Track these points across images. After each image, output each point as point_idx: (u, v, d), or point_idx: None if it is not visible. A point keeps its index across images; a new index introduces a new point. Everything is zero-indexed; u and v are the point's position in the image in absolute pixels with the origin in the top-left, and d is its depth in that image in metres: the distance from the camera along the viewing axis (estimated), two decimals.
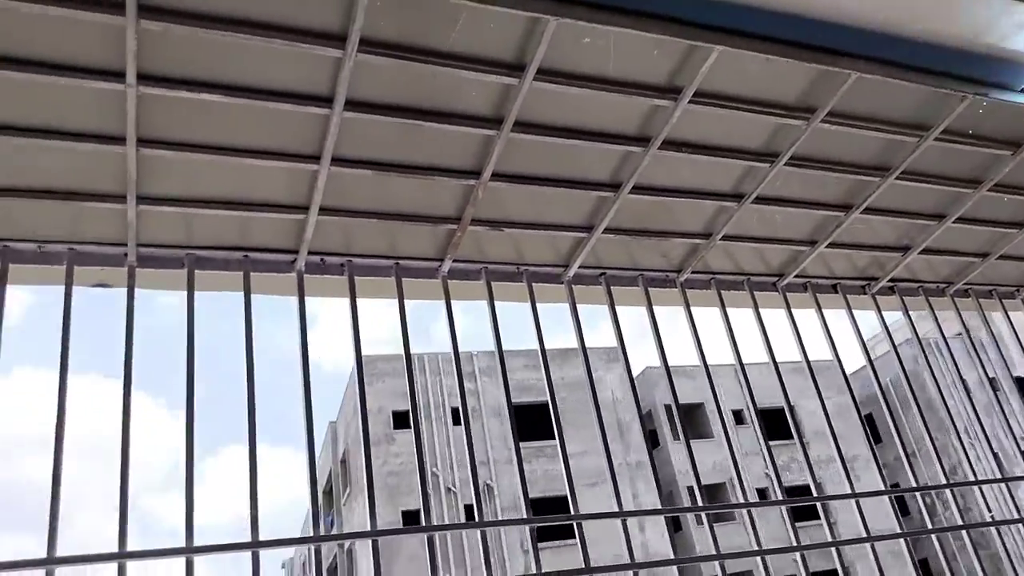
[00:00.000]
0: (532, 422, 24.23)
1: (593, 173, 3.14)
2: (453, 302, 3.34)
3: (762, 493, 27.24)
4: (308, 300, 3.13)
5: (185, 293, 2.94)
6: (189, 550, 2.54)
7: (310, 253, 3.10)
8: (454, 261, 3.31)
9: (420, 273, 3.34)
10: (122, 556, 2.47)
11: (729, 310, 3.88)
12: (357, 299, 3.17)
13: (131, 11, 2.11)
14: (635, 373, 30.10)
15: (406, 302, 3.27)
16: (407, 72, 2.55)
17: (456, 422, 26.09)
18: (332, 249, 3.17)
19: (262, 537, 2.66)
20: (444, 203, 3.10)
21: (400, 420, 25.90)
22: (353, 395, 27.66)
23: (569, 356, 25.85)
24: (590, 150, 3.02)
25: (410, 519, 24.39)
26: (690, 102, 2.83)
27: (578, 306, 3.60)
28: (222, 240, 3.00)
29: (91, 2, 2.11)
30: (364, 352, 3.13)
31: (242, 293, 3.05)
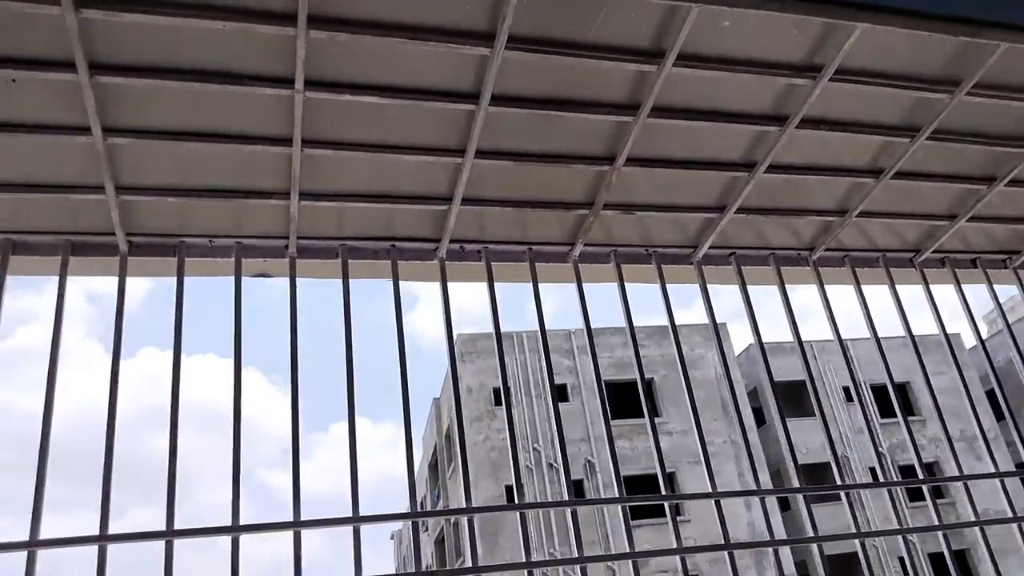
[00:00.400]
0: (633, 399, 24.25)
1: (726, 153, 3.16)
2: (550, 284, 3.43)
3: (875, 473, 26.37)
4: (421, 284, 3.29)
5: (338, 281, 3.15)
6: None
7: (451, 241, 3.25)
8: (585, 245, 3.40)
9: (551, 257, 3.44)
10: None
11: (832, 288, 3.80)
12: (495, 283, 3.30)
13: (302, 22, 2.27)
14: (739, 350, 29.57)
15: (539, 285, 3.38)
16: (547, 65, 2.64)
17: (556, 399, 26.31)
18: (470, 236, 3.31)
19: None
20: (576, 189, 3.19)
21: (500, 396, 26.34)
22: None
23: (665, 333, 25.70)
24: (723, 131, 3.04)
25: (512, 493, 24.87)
26: (830, 80, 2.80)
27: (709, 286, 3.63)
28: (371, 231, 3.19)
29: (264, 16, 2.29)
30: (464, 331, 3.28)
31: (388, 280, 3.24)
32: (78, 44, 2.21)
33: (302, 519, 2.71)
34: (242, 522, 2.66)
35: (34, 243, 2.86)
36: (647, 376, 26.40)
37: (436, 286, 3.28)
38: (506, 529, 23.53)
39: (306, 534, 2.72)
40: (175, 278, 2.95)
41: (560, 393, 26.35)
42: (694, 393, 3.59)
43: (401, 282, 3.19)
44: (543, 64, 2.63)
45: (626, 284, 3.50)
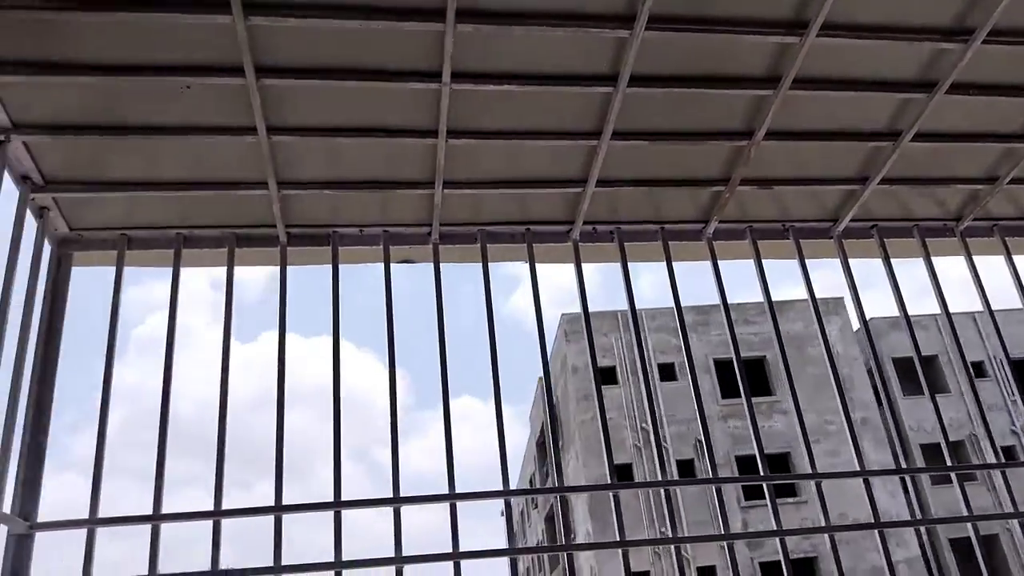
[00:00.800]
0: (746, 377, 23.72)
1: (868, 123, 3.07)
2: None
3: (1008, 452, 24.90)
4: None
5: (478, 264, 3.25)
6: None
7: (584, 223, 3.30)
8: (719, 222, 3.38)
9: (685, 236, 3.44)
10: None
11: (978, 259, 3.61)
12: (628, 263, 3.34)
13: (450, 17, 2.36)
14: (856, 325, 28.38)
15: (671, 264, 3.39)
16: (686, 43, 2.64)
17: (664, 378, 26.04)
18: (602, 218, 3.35)
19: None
20: (711, 166, 3.17)
21: (607, 376, 26.28)
22: (560, 351, 28.43)
23: (783, 309, 24.92)
24: (866, 100, 2.95)
25: (622, 472, 24.86)
26: (983, 42, 2.68)
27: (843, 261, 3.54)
28: (507, 215, 3.28)
29: (414, 13, 2.39)
30: (568, 311, 3.31)
31: (520, 263, 3.33)
32: (247, 50, 2.38)
33: (401, 495, 2.82)
34: (352, 497, 2.80)
35: (202, 236, 3.10)
36: (759, 354, 25.75)
37: (542, 265, 3.33)
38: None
39: (422, 509, 2.83)
40: (329, 266, 3.13)
41: (668, 372, 26.05)
42: (810, 371, 3.50)
43: (502, 264, 3.27)
44: (682, 42, 2.63)
45: (738, 262, 3.47)
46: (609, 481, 3.07)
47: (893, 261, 3.53)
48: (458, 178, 3.05)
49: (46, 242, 2.88)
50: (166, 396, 2.82)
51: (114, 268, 2.99)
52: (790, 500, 24.14)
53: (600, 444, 25.60)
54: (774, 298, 3.38)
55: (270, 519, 2.71)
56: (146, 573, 2.58)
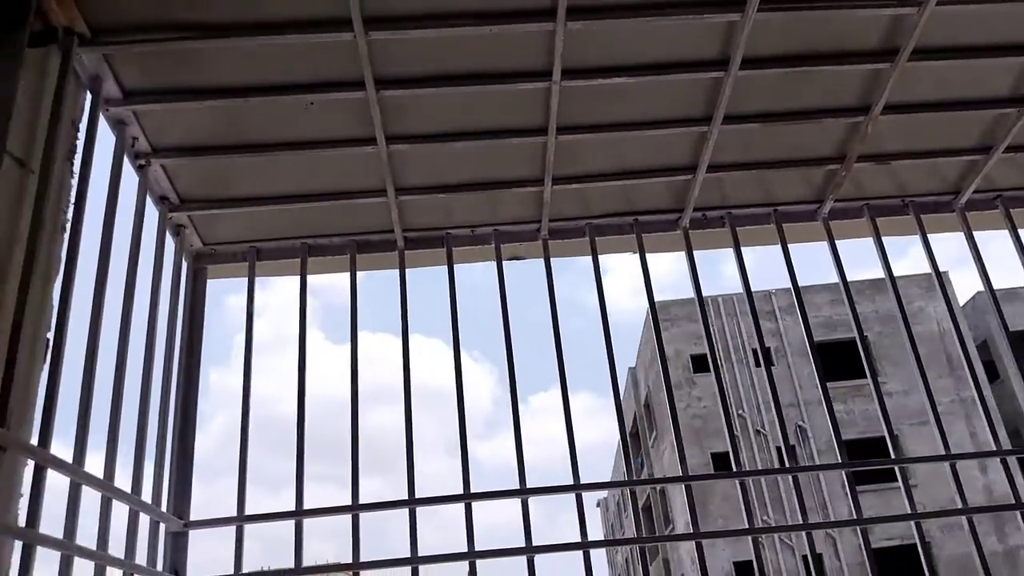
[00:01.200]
0: (843, 360, 22.94)
1: (991, 90, 2.94)
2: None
3: None
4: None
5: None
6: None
7: (694, 210, 3.28)
8: (835, 201, 3.30)
9: (798, 217, 3.38)
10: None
11: None
12: (742, 247, 3.30)
13: (561, 15, 2.39)
14: (963, 300, 27.05)
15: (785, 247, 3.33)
16: (798, 21, 2.59)
17: (759, 364, 25.45)
18: (712, 203, 3.32)
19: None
20: (825, 145, 3.11)
21: (699, 364, 25.87)
22: (649, 340, 28.13)
23: (880, 287, 23.97)
24: (989, 66, 2.83)
25: (719, 461, 24.45)
26: None
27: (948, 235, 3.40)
28: (615, 207, 3.29)
29: (525, 15, 2.43)
30: (657, 299, 3.28)
31: (629, 254, 3.34)
32: (367, 64, 2.47)
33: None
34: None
35: (325, 245, 3.24)
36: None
37: (625, 257, 3.31)
38: (715, 497, 23.19)
39: (505, 503, 2.86)
40: (444, 267, 3.22)
41: (764, 357, 25.42)
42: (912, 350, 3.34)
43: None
44: (794, 21, 2.58)
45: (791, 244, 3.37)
46: (711, 471, 3.04)
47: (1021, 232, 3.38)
48: (566, 173, 3.08)
49: (183, 258, 3.07)
50: (301, 399, 2.97)
51: (246, 279, 3.15)
52: (895, 485, 23.25)
53: (693, 433, 25.24)
54: (870, 276, 3.30)
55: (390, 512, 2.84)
56: (292, 566, 2.73)
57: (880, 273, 3.34)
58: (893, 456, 3.13)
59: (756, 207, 3.35)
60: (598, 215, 3.31)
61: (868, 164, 3.16)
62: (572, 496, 2.87)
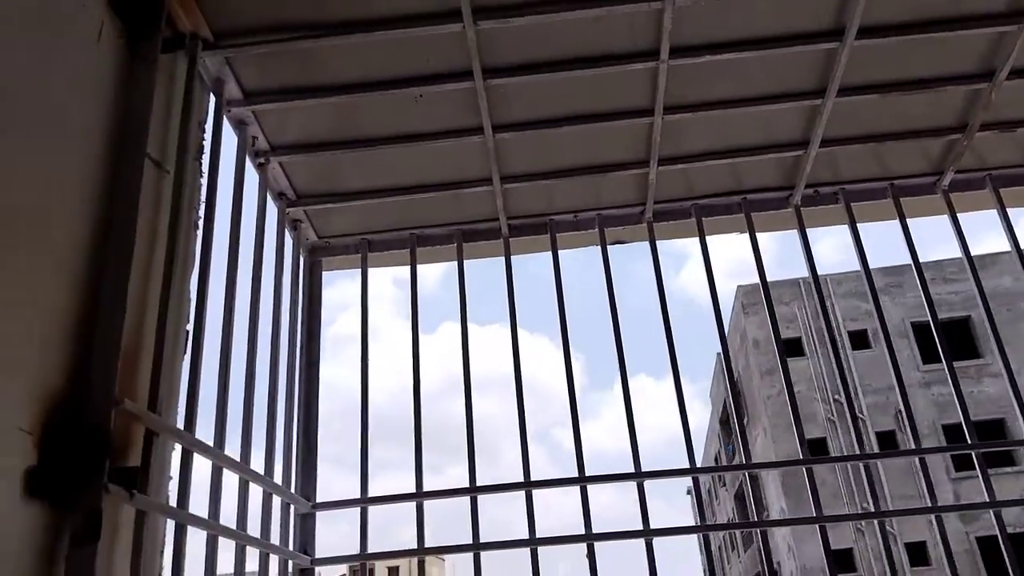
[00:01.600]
0: (948, 340, 21.90)
1: None
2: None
3: None
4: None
5: (692, 239, 3.24)
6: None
7: (805, 186, 3.19)
8: (956, 172, 3.15)
9: (916, 190, 3.24)
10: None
11: None
12: (857, 224, 3.19)
13: None
14: None
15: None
16: None
17: (856, 346, 24.62)
18: (824, 179, 3.22)
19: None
20: (944, 114, 2.97)
21: (792, 348, 25.19)
22: (738, 325, 27.54)
23: (984, 263, 22.74)
24: None
25: (815, 447, 23.78)
26: None
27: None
28: (721, 187, 3.24)
29: None
30: (744, 283, 3.19)
31: (736, 234, 3.27)
32: (475, 54, 2.50)
33: (587, 475, 2.88)
34: (534, 478, 2.90)
35: (433, 235, 3.30)
36: (962, 314, 23.71)
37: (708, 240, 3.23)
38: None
39: (602, 491, 2.86)
40: (549, 253, 3.24)
41: (860, 339, 24.58)
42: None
43: (671, 241, 3.22)
44: None
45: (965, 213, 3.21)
46: (801, 456, 2.95)
47: None
48: (670, 154, 3.04)
49: (300, 251, 3.18)
50: (417, 388, 3.04)
51: (359, 270, 3.24)
52: (1008, 469, 22.10)
53: (787, 419, 24.65)
54: (971, 253, 3.12)
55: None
56: (415, 547, 2.81)
57: (983, 249, 3.18)
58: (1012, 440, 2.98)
59: (871, 181, 3.23)
60: (704, 195, 3.26)
61: (991, 132, 3.00)
62: (655, 485, 2.85)
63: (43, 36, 1.71)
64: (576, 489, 2.87)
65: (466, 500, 2.83)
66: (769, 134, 3.03)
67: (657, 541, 2.78)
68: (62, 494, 1.55)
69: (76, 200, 1.79)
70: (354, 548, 2.87)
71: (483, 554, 2.77)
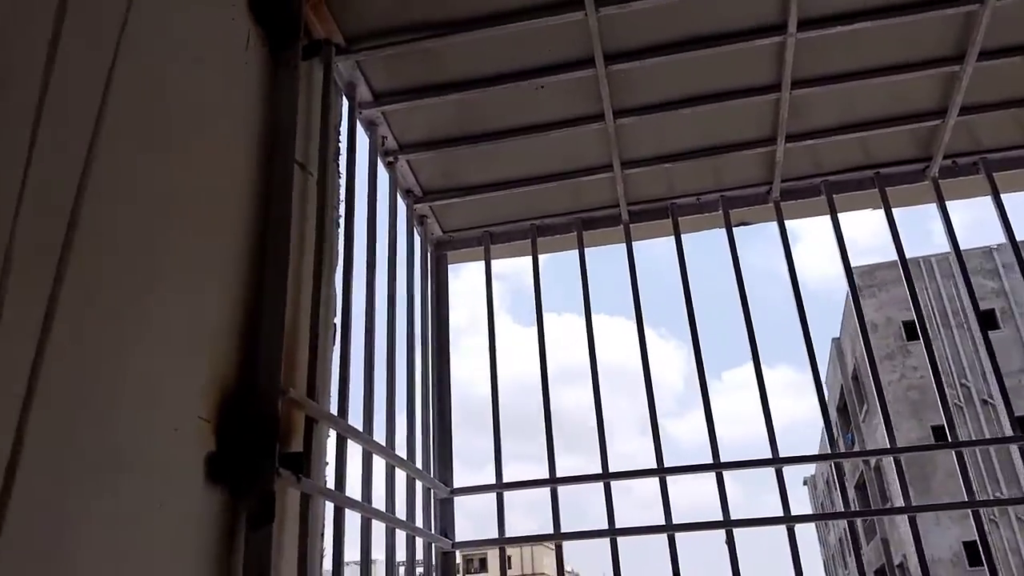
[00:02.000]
0: None
1: None
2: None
3: None
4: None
5: (823, 217, 3.14)
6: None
7: (943, 157, 3.04)
8: None
9: None
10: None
11: None
12: (1001, 195, 3.02)
13: None
14: None
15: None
16: None
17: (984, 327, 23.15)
18: (962, 149, 3.07)
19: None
20: None
21: (913, 331, 23.95)
22: (851, 310, 26.42)
23: None
24: None
25: (940, 434, 22.53)
26: None
27: None
28: (852, 162, 3.12)
29: None
30: (852, 263, 3.04)
31: (870, 209, 3.15)
32: (597, 41, 2.51)
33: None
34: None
35: (553, 224, 3.33)
36: None
37: (818, 222, 3.09)
38: (938, 474, 21.47)
39: (703, 485, 2.78)
40: (671, 237, 3.21)
41: (988, 319, 23.12)
42: None
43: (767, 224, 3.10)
44: None
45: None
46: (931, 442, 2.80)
47: None
48: (796, 130, 2.96)
49: (427, 246, 3.28)
50: (544, 377, 3.08)
51: (482, 262, 3.32)
52: None
53: (910, 405, 23.48)
54: None
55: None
56: (551, 530, 2.86)
57: None
58: None
59: (1015, 149, 3.05)
60: (834, 171, 3.16)
61: None
62: (773, 475, 2.78)
63: (202, 52, 1.83)
64: (710, 476, 2.84)
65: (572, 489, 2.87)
66: (902, 104, 2.90)
67: (781, 536, 2.73)
68: (238, 478, 1.66)
69: (235, 207, 1.91)
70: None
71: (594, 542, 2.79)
